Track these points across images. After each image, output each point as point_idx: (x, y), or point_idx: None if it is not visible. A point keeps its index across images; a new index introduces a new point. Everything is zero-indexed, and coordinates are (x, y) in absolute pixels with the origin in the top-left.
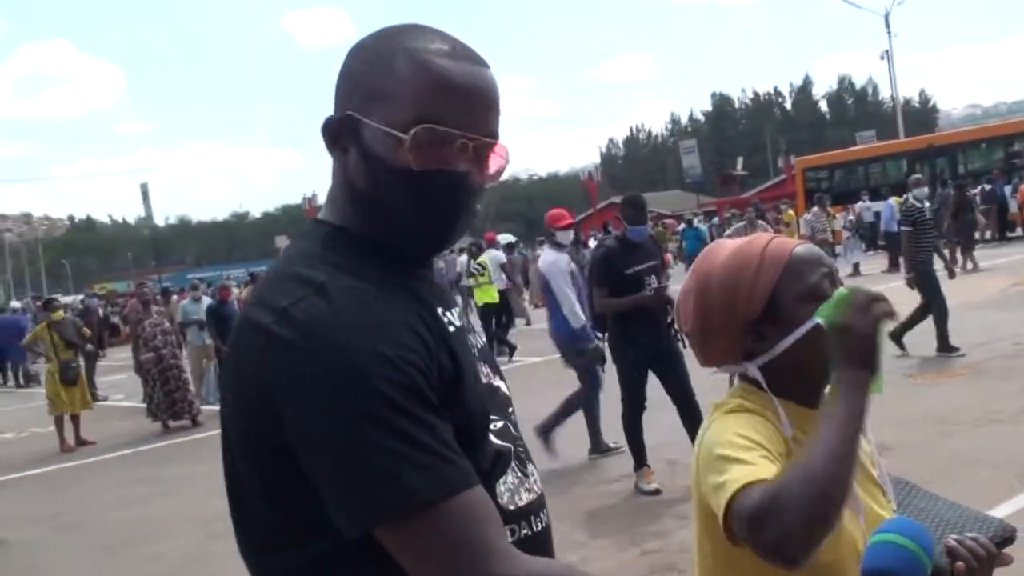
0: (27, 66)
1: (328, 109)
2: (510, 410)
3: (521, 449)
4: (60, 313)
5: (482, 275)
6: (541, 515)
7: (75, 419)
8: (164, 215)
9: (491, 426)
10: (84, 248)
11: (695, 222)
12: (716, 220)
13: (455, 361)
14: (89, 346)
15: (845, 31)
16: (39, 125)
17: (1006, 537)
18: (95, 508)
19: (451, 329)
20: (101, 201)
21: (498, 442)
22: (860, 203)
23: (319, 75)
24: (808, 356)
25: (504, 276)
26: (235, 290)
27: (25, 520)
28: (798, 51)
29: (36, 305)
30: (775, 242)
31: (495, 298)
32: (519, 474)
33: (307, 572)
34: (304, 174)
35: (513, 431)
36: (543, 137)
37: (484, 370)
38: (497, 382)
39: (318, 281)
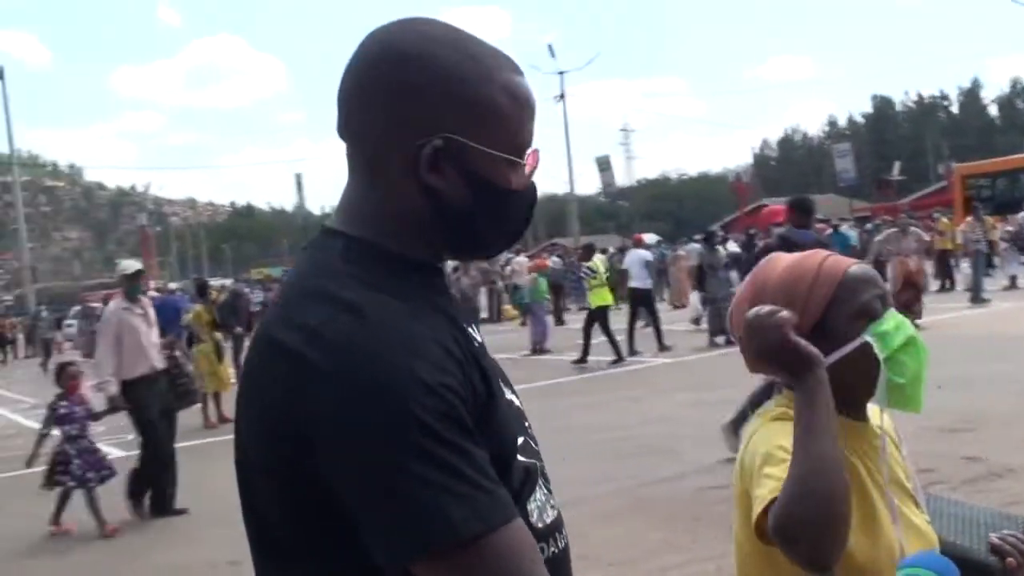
0: (197, 59)
1: None
2: (527, 424)
3: (543, 465)
4: (214, 295)
5: (594, 278)
6: (563, 531)
7: (216, 397)
8: (319, 203)
9: (517, 443)
10: (244, 234)
11: (843, 227)
12: (868, 225)
13: (487, 381)
14: (238, 328)
15: (1018, 32)
16: (206, 115)
17: None
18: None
19: (476, 345)
20: (261, 188)
21: (524, 459)
22: (1021, 214)
23: None
24: (853, 372)
25: (647, 275)
26: None
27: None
28: (966, 52)
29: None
30: (831, 259)
31: (608, 300)
32: (545, 491)
33: None
34: None
35: (534, 446)
36: (695, 137)
37: (502, 386)
38: (512, 397)
39: (348, 298)
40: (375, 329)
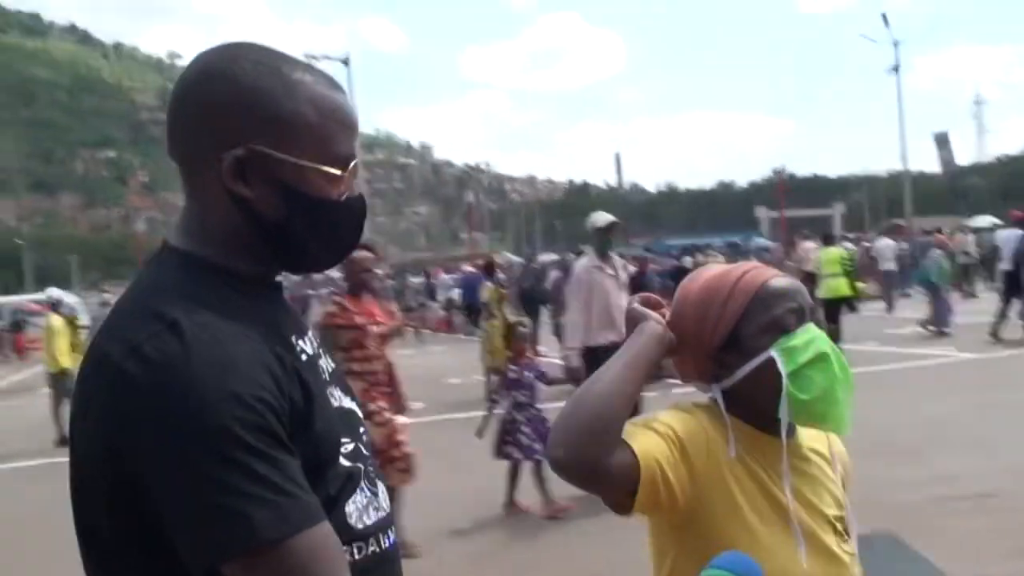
0: (538, 39)
1: (826, 79)
2: (361, 430)
3: (371, 468)
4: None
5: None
6: (389, 532)
7: (498, 373)
8: (654, 182)
9: (342, 449)
10: (577, 211)
11: None
12: None
13: (306, 392)
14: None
15: None
16: (545, 95)
17: None
18: None
19: (303, 358)
20: (596, 166)
21: (348, 464)
22: None
23: (818, 42)
24: (760, 386)
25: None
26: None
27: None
28: None
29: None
30: (751, 273)
31: (845, 292)
32: (367, 493)
33: None
34: (796, 143)
35: (364, 451)
36: None
37: (336, 393)
38: (348, 404)
39: (171, 318)
40: (193, 346)
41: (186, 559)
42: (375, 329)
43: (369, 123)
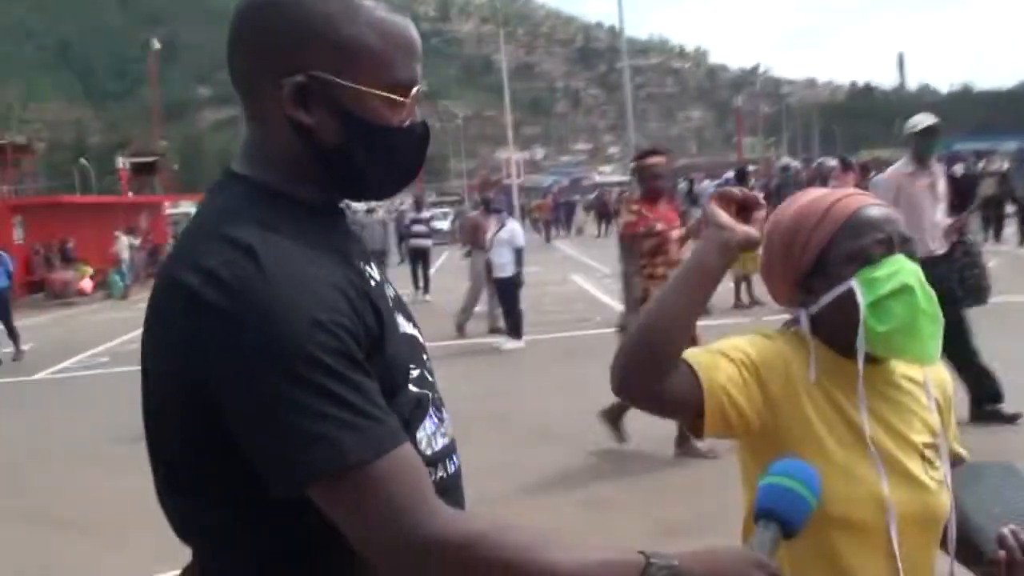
0: None
1: None
2: (425, 357)
3: (437, 395)
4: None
5: None
6: (454, 458)
7: (747, 280)
8: (948, 82)
9: (410, 375)
10: (859, 114)
11: None
12: None
13: (379, 317)
14: None
15: None
16: None
17: None
18: None
19: (373, 284)
20: (880, 66)
21: (416, 390)
22: None
23: None
24: (842, 314)
25: None
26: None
27: None
28: None
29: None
30: (844, 200)
31: None
32: (435, 420)
33: (229, 521)
34: None
35: (430, 378)
36: None
37: (400, 319)
38: (412, 330)
39: (246, 243)
40: (270, 271)
41: (271, 482)
42: (674, 234)
43: (643, 26)
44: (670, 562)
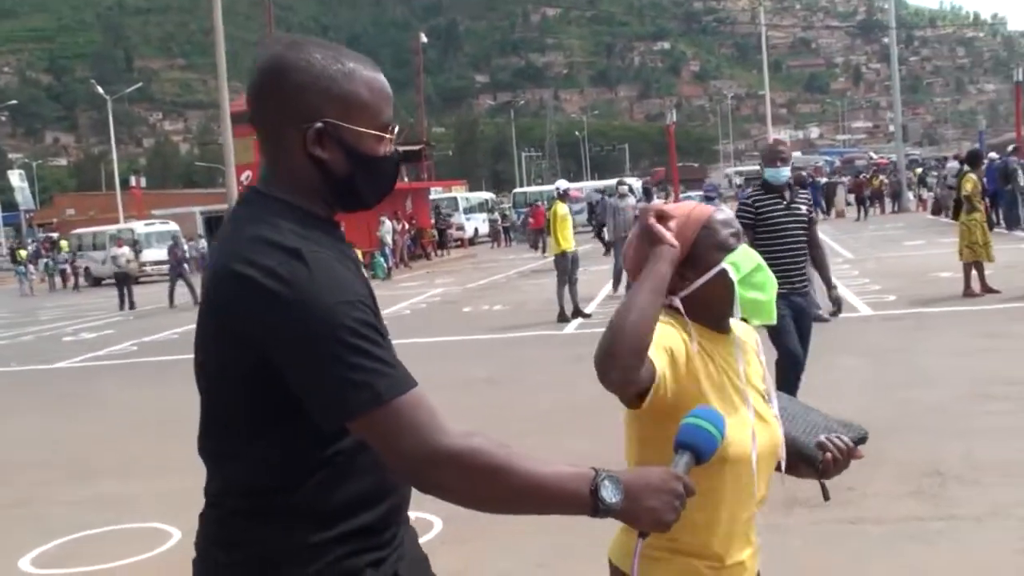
0: None
1: None
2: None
3: None
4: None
5: None
6: None
7: (979, 267)
8: None
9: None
10: None
11: None
12: None
13: (376, 305)
14: None
15: None
16: None
17: (861, 437)
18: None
19: (369, 280)
20: None
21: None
22: None
23: None
24: (714, 293)
25: None
26: None
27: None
28: None
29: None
30: (699, 208)
31: None
32: None
33: (276, 453)
34: None
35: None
36: None
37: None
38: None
39: (293, 247)
40: (315, 269)
41: (321, 419)
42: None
43: None
44: (612, 472)
